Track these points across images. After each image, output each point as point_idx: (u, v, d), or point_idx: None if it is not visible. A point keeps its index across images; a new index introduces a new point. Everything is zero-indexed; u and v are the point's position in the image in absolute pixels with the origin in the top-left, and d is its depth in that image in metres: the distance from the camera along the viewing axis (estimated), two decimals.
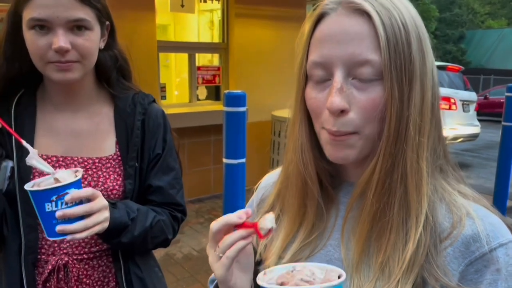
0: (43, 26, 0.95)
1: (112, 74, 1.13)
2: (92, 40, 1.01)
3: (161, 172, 1.15)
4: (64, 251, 1.04)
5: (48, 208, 0.85)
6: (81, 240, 1.04)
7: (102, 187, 1.06)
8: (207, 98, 5.19)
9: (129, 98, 1.15)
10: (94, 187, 1.04)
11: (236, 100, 2.53)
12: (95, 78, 1.12)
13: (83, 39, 0.99)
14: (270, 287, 0.55)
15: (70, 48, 0.97)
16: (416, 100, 0.62)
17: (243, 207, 0.71)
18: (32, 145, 1.01)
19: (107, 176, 1.08)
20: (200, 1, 5.02)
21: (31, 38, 0.97)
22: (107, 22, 1.08)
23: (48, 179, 0.89)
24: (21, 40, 1.00)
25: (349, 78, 0.62)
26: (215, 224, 0.67)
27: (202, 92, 5.12)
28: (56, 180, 0.87)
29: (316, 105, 0.66)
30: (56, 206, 0.85)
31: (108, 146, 1.11)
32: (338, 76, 0.62)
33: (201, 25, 5.67)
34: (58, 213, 0.85)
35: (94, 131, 1.11)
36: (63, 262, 1.03)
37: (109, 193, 1.06)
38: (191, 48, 4.96)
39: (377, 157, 0.63)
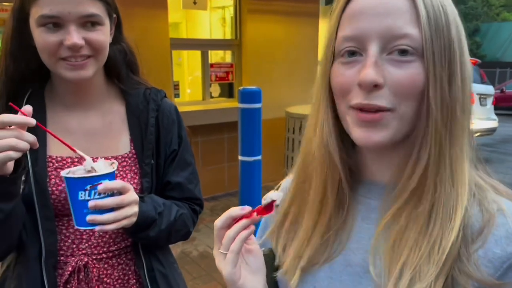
0: (54, 23, 0.92)
1: (122, 69, 1.11)
2: (105, 35, 0.99)
3: (179, 168, 1.13)
4: (83, 251, 1.02)
5: (81, 197, 0.85)
6: (99, 240, 1.03)
7: None
8: (221, 95, 5.17)
9: (140, 94, 1.12)
10: None
11: (251, 96, 2.51)
12: (105, 74, 1.10)
13: (95, 34, 0.96)
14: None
15: (84, 43, 0.94)
16: (457, 83, 0.58)
17: (259, 203, 0.68)
18: (45, 147, 0.99)
19: (124, 175, 1.06)
20: None
21: (41, 35, 0.93)
22: (114, 15, 1.05)
23: (83, 168, 0.88)
24: (28, 37, 0.97)
25: (384, 53, 0.58)
26: (219, 221, 0.65)
27: (215, 89, 5.10)
28: (92, 170, 0.86)
29: (345, 80, 0.61)
30: (89, 195, 0.85)
31: (122, 144, 1.09)
32: (373, 50, 0.58)
33: (213, 22, 5.65)
34: (91, 203, 0.84)
35: (108, 130, 1.09)
36: (83, 262, 1.01)
37: None
38: (204, 45, 4.94)
39: (419, 145, 0.58)
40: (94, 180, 0.85)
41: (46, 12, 0.91)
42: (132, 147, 1.09)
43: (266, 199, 0.66)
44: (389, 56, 0.58)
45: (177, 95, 4.79)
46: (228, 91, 5.26)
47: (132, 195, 0.92)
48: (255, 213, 0.66)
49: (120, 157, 1.07)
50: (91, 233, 1.03)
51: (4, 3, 3.49)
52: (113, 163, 0.91)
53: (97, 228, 0.87)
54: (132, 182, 1.05)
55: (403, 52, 0.57)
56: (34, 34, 0.96)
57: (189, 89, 5.68)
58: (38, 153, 0.94)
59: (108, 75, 1.11)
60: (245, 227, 0.65)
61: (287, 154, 5.09)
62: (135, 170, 1.07)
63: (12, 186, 0.88)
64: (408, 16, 0.57)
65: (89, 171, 0.86)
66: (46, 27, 0.93)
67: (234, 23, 5.10)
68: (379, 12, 0.58)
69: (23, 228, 0.98)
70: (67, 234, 1.02)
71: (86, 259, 1.02)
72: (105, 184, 0.86)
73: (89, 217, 0.85)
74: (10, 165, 0.84)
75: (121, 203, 0.90)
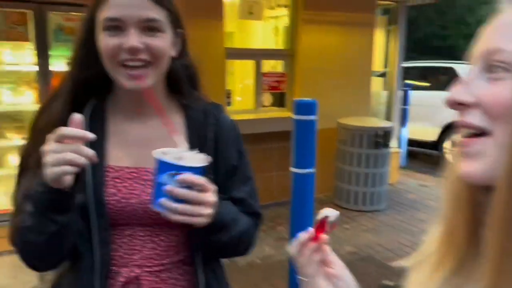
0: (116, 26, 0.94)
1: (183, 83, 1.11)
2: (164, 42, 0.99)
3: (241, 183, 1.12)
4: (136, 263, 1.01)
5: (163, 180, 0.85)
6: (152, 252, 1.02)
7: None
8: (272, 104, 5.17)
9: (200, 108, 1.12)
10: None
11: (306, 108, 2.47)
12: (166, 88, 1.11)
13: (155, 40, 0.97)
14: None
15: (142, 47, 0.95)
16: None
17: (311, 216, 0.68)
18: (103, 156, 0.99)
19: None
20: (269, 8, 5.03)
21: (103, 39, 0.95)
22: (180, 30, 1.05)
23: (175, 153, 0.89)
24: (95, 45, 0.99)
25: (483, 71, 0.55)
26: (293, 251, 0.66)
27: (267, 98, 5.11)
28: (182, 158, 0.87)
29: None
30: (169, 181, 0.85)
31: None
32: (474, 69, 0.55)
33: (265, 31, 5.68)
34: (167, 187, 0.84)
35: (166, 141, 1.06)
36: (135, 274, 1.00)
37: None
38: (258, 55, 4.98)
39: None
40: (178, 168, 0.85)
41: (109, 14, 0.94)
42: None
43: (320, 215, 0.67)
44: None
45: (229, 103, 4.85)
46: (279, 100, 5.25)
47: (210, 196, 0.90)
48: (320, 235, 0.67)
49: None
50: (143, 244, 1.02)
51: (72, 13, 3.69)
52: (207, 158, 0.91)
53: (164, 212, 0.86)
54: None
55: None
56: (98, 39, 0.98)
57: (240, 97, 5.73)
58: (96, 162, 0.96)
59: (169, 89, 1.12)
60: (315, 250, 0.65)
61: (338, 166, 5.00)
62: None
63: (69, 199, 0.88)
64: None
65: (179, 158, 0.86)
66: (109, 31, 0.95)
67: (288, 33, 5.10)
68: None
69: (77, 237, 0.98)
70: (121, 244, 1.01)
71: (138, 271, 1.00)
72: (184, 176, 0.85)
73: (162, 200, 0.85)
74: (68, 179, 0.83)
75: (196, 199, 0.87)
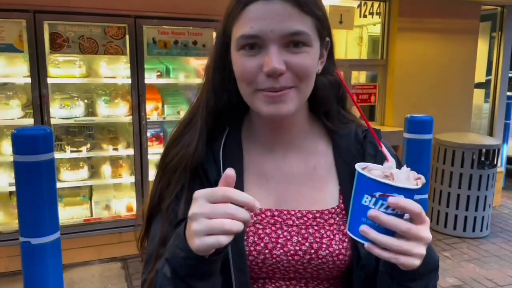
0: (253, 44, 0.77)
1: (333, 105, 0.92)
2: (311, 59, 0.80)
3: None
4: None
5: (365, 202, 0.68)
6: None
7: (327, 251, 0.83)
8: (361, 118, 4.87)
9: (351, 135, 0.91)
10: (317, 250, 0.82)
11: (421, 125, 2.20)
12: (309, 109, 0.92)
13: (300, 58, 0.77)
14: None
15: (285, 69, 0.76)
16: None
17: None
18: None
19: (331, 237, 0.84)
20: (360, 16, 4.77)
21: (239, 60, 0.79)
22: (327, 39, 0.85)
23: (381, 169, 0.71)
24: (230, 65, 0.83)
25: None
26: None
27: (356, 110, 4.82)
28: (391, 176, 0.68)
29: None
30: (375, 204, 0.67)
31: (329, 196, 0.88)
32: None
33: (348, 41, 5.40)
34: (372, 212, 0.66)
35: (311, 176, 0.89)
36: None
37: (335, 258, 0.83)
38: (349, 65, 4.72)
39: None
40: (387, 189, 0.66)
41: (246, 30, 0.76)
42: (341, 201, 0.88)
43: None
44: None
45: None
46: (369, 113, 4.94)
47: (426, 231, 0.68)
48: None
49: (326, 212, 0.86)
50: None
51: (164, 26, 3.71)
52: (419, 178, 0.70)
53: (366, 245, 0.68)
54: (341, 247, 0.84)
55: None
56: (233, 60, 0.82)
57: None
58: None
59: (312, 111, 0.93)
60: None
61: (434, 186, 4.55)
62: (344, 231, 0.86)
63: (212, 265, 0.71)
64: None
65: (386, 176, 0.68)
66: (245, 50, 0.78)
67: (381, 42, 4.79)
68: None
69: None
70: None
71: None
72: (399, 199, 0.65)
73: (363, 227, 0.67)
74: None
75: (407, 233, 0.66)
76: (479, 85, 5.90)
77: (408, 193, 0.66)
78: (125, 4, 3.50)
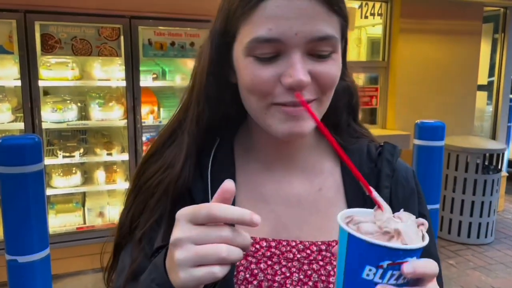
0: (271, 49, 0.62)
1: (343, 116, 0.78)
2: (338, 67, 0.66)
3: None
4: None
5: (367, 275, 0.49)
6: None
7: None
8: (362, 121, 4.77)
9: (363, 151, 0.77)
10: None
11: (432, 132, 2.08)
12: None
13: (327, 66, 0.63)
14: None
15: (310, 80, 0.62)
16: None
17: None
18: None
19: None
20: (361, 17, 4.66)
21: (248, 67, 0.63)
22: (345, 39, 0.71)
23: (375, 225, 0.53)
24: (229, 71, 0.69)
25: None
26: None
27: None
28: (396, 235, 0.50)
29: None
30: (382, 277, 0.49)
31: (337, 223, 0.76)
32: None
33: (348, 42, 5.29)
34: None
35: (316, 199, 0.75)
36: None
37: None
38: (349, 67, 4.61)
39: None
40: (399, 255, 0.49)
41: (263, 33, 0.60)
42: None
43: None
44: None
45: None
46: (369, 117, 4.83)
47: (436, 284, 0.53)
48: None
49: (333, 243, 0.72)
50: None
51: (160, 27, 3.59)
52: (423, 224, 0.54)
53: None
54: None
55: None
56: (237, 67, 0.67)
57: None
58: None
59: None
60: None
61: (444, 194, 4.43)
62: None
63: None
64: None
65: (389, 234, 0.50)
66: (258, 56, 0.62)
67: (383, 43, 4.69)
68: None
69: None
70: None
71: None
72: (415, 266, 0.48)
73: None
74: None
75: None
76: (481, 87, 5.81)
77: (418, 252, 0.50)
78: (120, 4, 3.37)
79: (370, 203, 0.71)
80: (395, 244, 0.49)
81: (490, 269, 3.87)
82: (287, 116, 0.64)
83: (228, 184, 0.52)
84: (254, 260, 0.69)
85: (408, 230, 0.51)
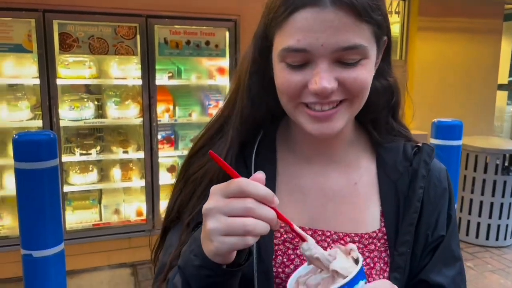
0: (300, 57, 0.66)
1: (382, 113, 0.80)
2: (368, 71, 0.68)
3: (442, 263, 0.76)
4: None
5: None
6: None
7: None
8: None
9: (399, 150, 0.80)
10: None
11: (449, 131, 2.04)
12: (354, 118, 0.79)
13: (355, 72, 0.66)
14: None
15: (336, 87, 0.65)
16: None
17: None
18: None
19: (371, 265, 0.73)
20: None
21: (281, 72, 0.69)
22: (385, 37, 0.72)
23: (313, 270, 0.60)
24: (270, 71, 0.73)
25: None
26: None
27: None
28: (335, 273, 0.57)
29: None
30: None
31: (371, 217, 0.77)
32: None
33: None
34: None
35: (352, 194, 0.78)
36: None
37: None
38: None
39: None
40: None
41: (292, 43, 0.65)
42: (382, 224, 0.76)
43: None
44: None
45: None
46: None
47: None
48: None
49: (366, 236, 0.75)
50: None
51: (176, 26, 3.60)
52: (351, 250, 0.60)
53: None
54: (381, 277, 0.73)
55: None
56: (275, 69, 0.71)
57: None
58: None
59: (358, 117, 0.79)
60: None
61: (462, 195, 4.34)
62: (385, 259, 0.74)
63: (229, 279, 0.62)
64: None
65: (328, 271, 0.57)
66: (290, 63, 0.67)
67: (400, 42, 4.63)
68: None
69: None
70: None
71: None
72: None
73: None
74: (233, 254, 0.59)
75: None
76: (501, 87, 5.69)
77: (361, 275, 0.56)
78: (137, 3, 3.40)
79: (403, 202, 0.73)
80: (339, 283, 0.55)
81: (509, 272, 3.78)
82: (315, 120, 0.69)
83: (259, 174, 0.58)
84: (291, 246, 0.74)
85: (342, 264, 0.57)
